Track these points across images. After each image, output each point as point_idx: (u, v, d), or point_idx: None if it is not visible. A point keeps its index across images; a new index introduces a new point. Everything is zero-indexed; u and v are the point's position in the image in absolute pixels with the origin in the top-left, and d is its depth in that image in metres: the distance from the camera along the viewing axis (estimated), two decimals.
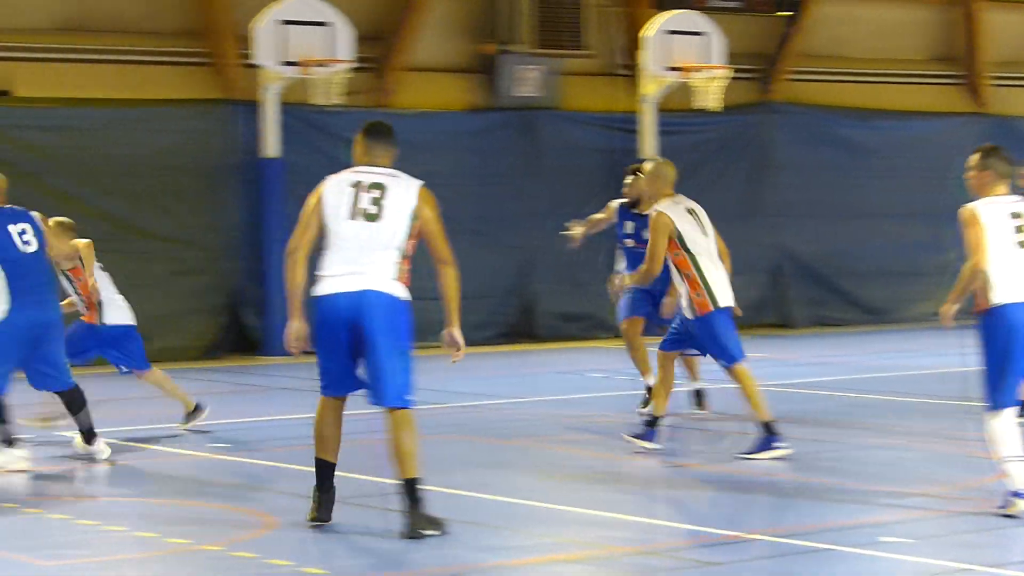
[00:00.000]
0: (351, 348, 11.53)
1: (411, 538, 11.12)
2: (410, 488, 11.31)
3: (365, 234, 11.53)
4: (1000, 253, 11.47)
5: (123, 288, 23.98)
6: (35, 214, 14.73)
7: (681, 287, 14.94)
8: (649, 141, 27.65)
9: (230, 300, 25.05)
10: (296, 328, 11.67)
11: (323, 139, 25.53)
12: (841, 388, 20.27)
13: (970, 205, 11.68)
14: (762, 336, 28.12)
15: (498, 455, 15.97)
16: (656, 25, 27.24)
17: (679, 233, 14.86)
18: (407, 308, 11.81)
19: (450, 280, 12.03)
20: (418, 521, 11.21)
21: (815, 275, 29.99)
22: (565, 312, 27.72)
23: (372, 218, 11.47)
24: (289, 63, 24.28)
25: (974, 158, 11.94)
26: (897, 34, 31.77)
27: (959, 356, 16.05)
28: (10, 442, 14.37)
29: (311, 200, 11.70)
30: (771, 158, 29.68)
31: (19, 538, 11.94)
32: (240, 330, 25.19)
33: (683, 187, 28.08)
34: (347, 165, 25.24)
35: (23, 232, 14.25)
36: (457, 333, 12.04)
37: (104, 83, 24.73)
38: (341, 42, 24.57)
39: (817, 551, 11.07)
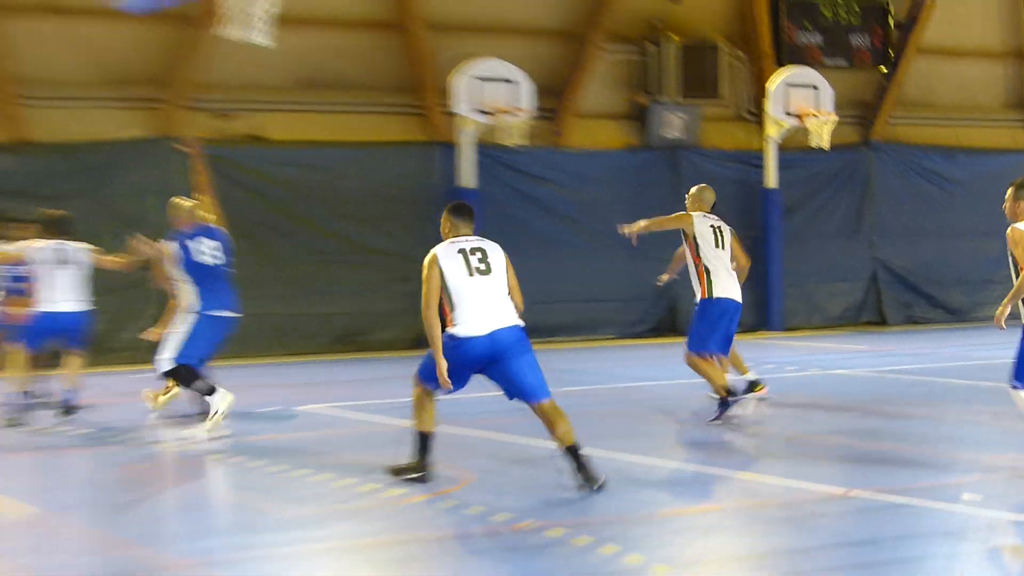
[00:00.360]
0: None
1: (584, 488, 11.15)
2: (573, 452, 11.41)
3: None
4: None
5: (353, 292, 24.33)
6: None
7: (694, 280, 15.52)
8: (772, 174, 27.46)
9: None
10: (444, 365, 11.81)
11: (509, 173, 25.57)
12: (928, 375, 19.94)
13: (1018, 226, 11.75)
14: (862, 332, 27.88)
15: (646, 426, 15.82)
16: (778, 79, 27.04)
17: (695, 237, 15.48)
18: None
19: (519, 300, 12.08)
20: (586, 476, 11.29)
21: (906, 282, 29.64)
22: None
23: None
24: (481, 112, 24.30)
25: (1009, 191, 12.01)
26: (975, 85, 31.32)
27: None
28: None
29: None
30: (871, 188, 29.39)
31: (266, 491, 11.98)
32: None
33: (800, 212, 28.14)
34: (526, 194, 25.28)
35: (210, 251, 14.20)
36: None
37: (336, 129, 24.87)
38: (523, 94, 24.58)
39: (908, 506, 10.87)
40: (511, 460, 13.38)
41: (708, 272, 15.45)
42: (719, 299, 15.40)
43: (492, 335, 11.79)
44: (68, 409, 16.18)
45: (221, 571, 9.14)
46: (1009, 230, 11.75)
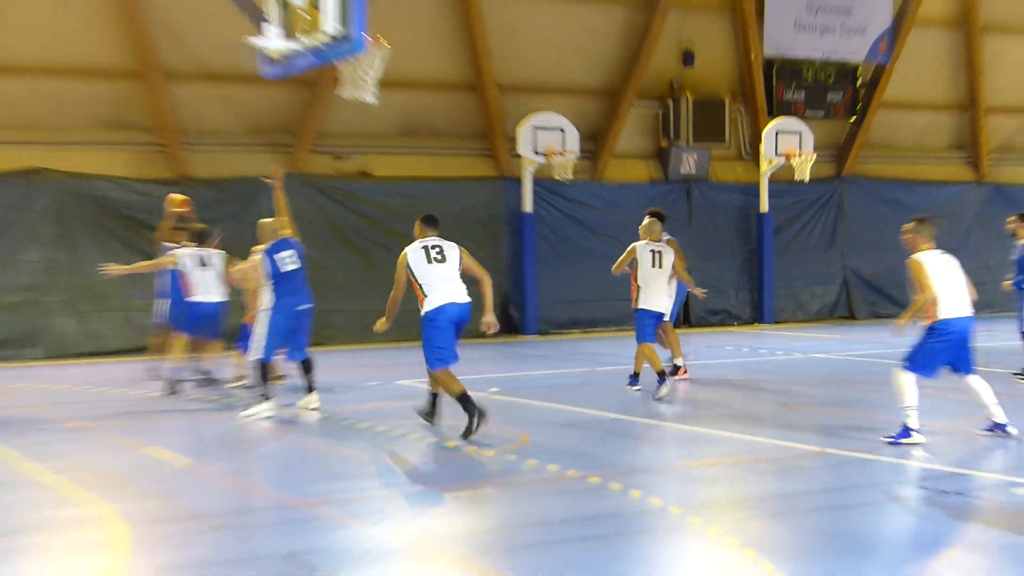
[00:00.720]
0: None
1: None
2: (464, 398, 12.45)
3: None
4: (943, 285, 11.53)
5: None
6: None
7: (633, 291, 16.09)
8: (765, 201, 27.33)
9: (502, 301, 25.04)
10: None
11: (559, 201, 25.56)
12: (888, 358, 19.68)
13: (915, 256, 11.66)
14: (836, 325, 27.68)
15: (706, 398, 15.79)
16: (769, 126, 26.86)
17: (636, 259, 15.95)
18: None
19: (488, 287, 13.11)
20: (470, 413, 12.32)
21: (871, 285, 29.41)
22: (710, 308, 27.27)
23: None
24: (538, 153, 24.27)
25: (912, 225, 11.89)
26: (926, 131, 31.06)
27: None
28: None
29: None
30: (843, 212, 29.20)
31: (371, 446, 12.01)
32: (508, 319, 25.16)
33: (787, 231, 28.04)
34: (572, 217, 25.13)
35: (287, 258, 14.14)
36: (491, 317, 12.89)
37: (426, 167, 24.93)
38: (570, 140, 24.55)
39: (871, 460, 10.79)
40: (560, 424, 13.38)
41: (640, 288, 15.89)
42: (644, 309, 15.87)
43: (456, 304, 12.79)
44: (211, 381, 16.44)
45: (332, 508, 9.17)
46: (909, 260, 11.72)
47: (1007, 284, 17.35)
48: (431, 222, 13.38)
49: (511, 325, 25.17)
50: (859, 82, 29.33)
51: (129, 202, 22.12)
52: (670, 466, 10.82)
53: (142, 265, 17.20)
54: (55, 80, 22.00)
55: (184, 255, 16.05)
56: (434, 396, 13.08)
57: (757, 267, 27.92)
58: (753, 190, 27.54)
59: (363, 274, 23.05)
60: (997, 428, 11.66)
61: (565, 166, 24.52)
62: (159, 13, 22.16)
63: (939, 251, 11.76)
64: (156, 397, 15.96)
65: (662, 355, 15.91)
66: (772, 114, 27.75)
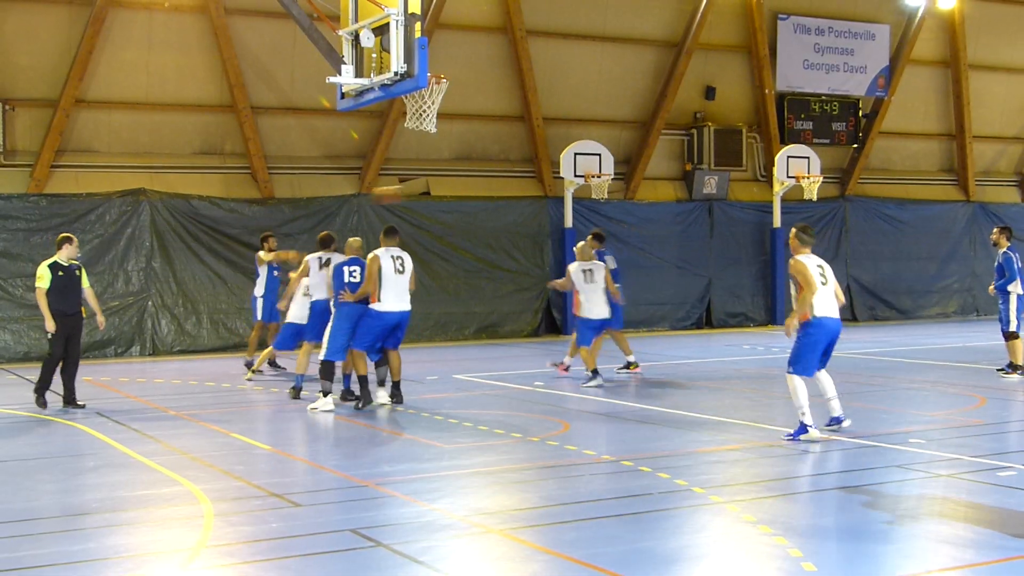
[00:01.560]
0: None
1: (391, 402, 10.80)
2: (397, 385, 13.92)
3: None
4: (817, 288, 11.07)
5: (490, 297, 24.33)
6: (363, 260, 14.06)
7: (575, 303, 16.41)
8: (778, 218, 27.08)
9: (546, 304, 24.97)
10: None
11: (597, 217, 25.37)
12: (886, 356, 19.53)
13: (798, 258, 11.18)
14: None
15: (688, 388, 15.59)
16: (781, 152, 26.60)
17: (575, 276, 16.21)
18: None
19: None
20: (398, 398, 13.86)
21: (870, 291, 29.14)
22: (729, 311, 27.20)
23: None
24: (578, 176, 24.15)
25: (793, 232, 11.45)
26: (918, 157, 30.77)
27: (961, 338, 15.21)
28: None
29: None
30: (846, 227, 28.94)
31: (430, 432, 11.92)
32: (551, 320, 25.08)
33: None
34: (608, 232, 25.10)
35: (353, 272, 13.96)
36: None
37: (480, 188, 24.89)
38: (606, 164, 24.40)
39: (872, 446, 10.61)
40: (596, 414, 13.23)
41: (582, 301, 16.12)
42: (583, 318, 16.10)
43: (400, 313, 13.60)
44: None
45: (394, 488, 9.09)
46: (791, 261, 11.24)
47: (992, 289, 17.07)
48: (391, 233, 13.97)
49: (554, 326, 25.09)
50: (860, 114, 29.05)
51: (220, 218, 22.21)
52: (694, 451, 10.66)
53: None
54: (157, 113, 22.13)
55: (314, 258, 15.35)
56: (362, 379, 13.69)
57: (771, 275, 27.66)
58: (767, 208, 27.31)
59: (426, 281, 22.99)
60: (833, 422, 11.36)
61: (602, 187, 24.38)
62: (249, 55, 22.30)
63: (815, 256, 11.33)
64: (241, 390, 15.94)
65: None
66: (784, 142, 27.53)
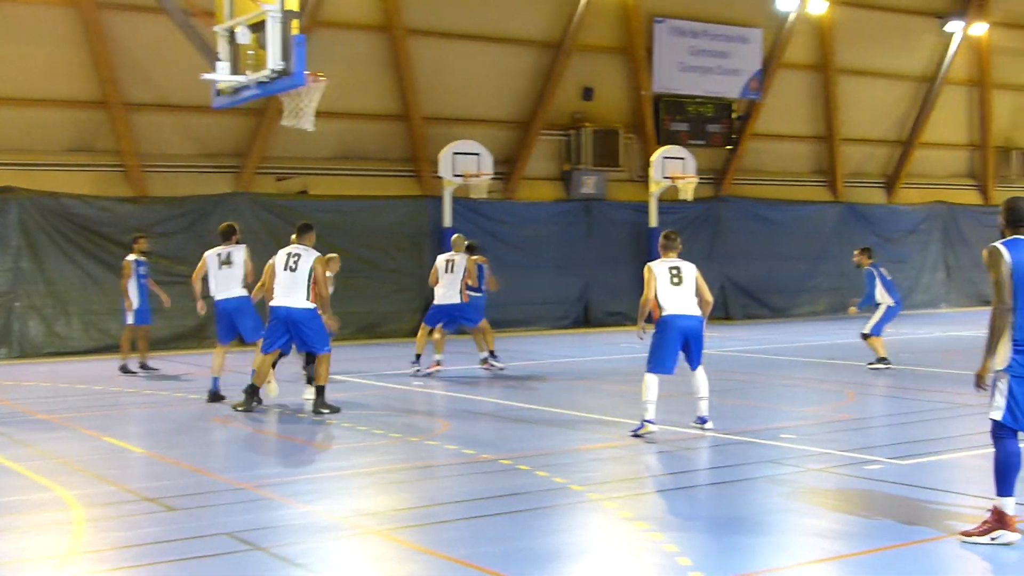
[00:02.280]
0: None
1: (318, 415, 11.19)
2: (321, 389, 13.13)
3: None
4: (664, 289, 11.42)
5: (370, 297, 24.17)
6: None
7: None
8: (654, 218, 27.41)
9: (425, 304, 24.91)
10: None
11: (476, 217, 25.41)
12: (760, 353, 19.95)
13: (650, 263, 11.58)
14: (715, 325, 27.70)
15: (567, 387, 15.70)
16: (658, 153, 26.96)
17: (439, 264, 17.04)
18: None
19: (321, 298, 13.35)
20: (320, 407, 13.08)
21: (744, 290, 29.71)
22: (607, 310, 27.47)
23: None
24: (457, 175, 24.16)
25: (661, 238, 11.88)
26: (790, 158, 31.49)
27: (831, 336, 15.52)
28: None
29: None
30: (720, 227, 29.44)
31: (307, 434, 11.77)
32: None
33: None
34: (488, 231, 24.98)
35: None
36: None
37: (359, 187, 24.79)
38: (485, 163, 24.45)
39: (745, 442, 10.79)
40: (476, 414, 13.25)
41: (434, 290, 17.02)
42: (437, 304, 17.02)
43: (287, 310, 12.96)
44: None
45: (273, 490, 8.98)
46: (646, 267, 11.58)
47: (853, 310, 17.83)
48: (303, 230, 13.50)
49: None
50: (734, 116, 29.62)
51: (92, 217, 21.72)
52: (572, 449, 10.74)
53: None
54: (27, 109, 21.57)
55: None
56: (252, 387, 13.39)
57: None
58: (644, 208, 27.64)
59: None
60: (699, 420, 11.55)
61: (481, 187, 24.44)
62: (122, 50, 21.88)
63: (674, 259, 11.65)
64: (115, 392, 15.60)
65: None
66: (660, 143, 27.92)
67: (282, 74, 11.53)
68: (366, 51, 24.43)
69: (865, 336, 17.25)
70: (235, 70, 12.17)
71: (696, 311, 11.51)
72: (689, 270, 11.60)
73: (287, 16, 11.39)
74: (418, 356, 16.90)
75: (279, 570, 6.86)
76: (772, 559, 7.12)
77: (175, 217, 22.38)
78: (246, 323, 14.21)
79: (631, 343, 22.85)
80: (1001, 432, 7.16)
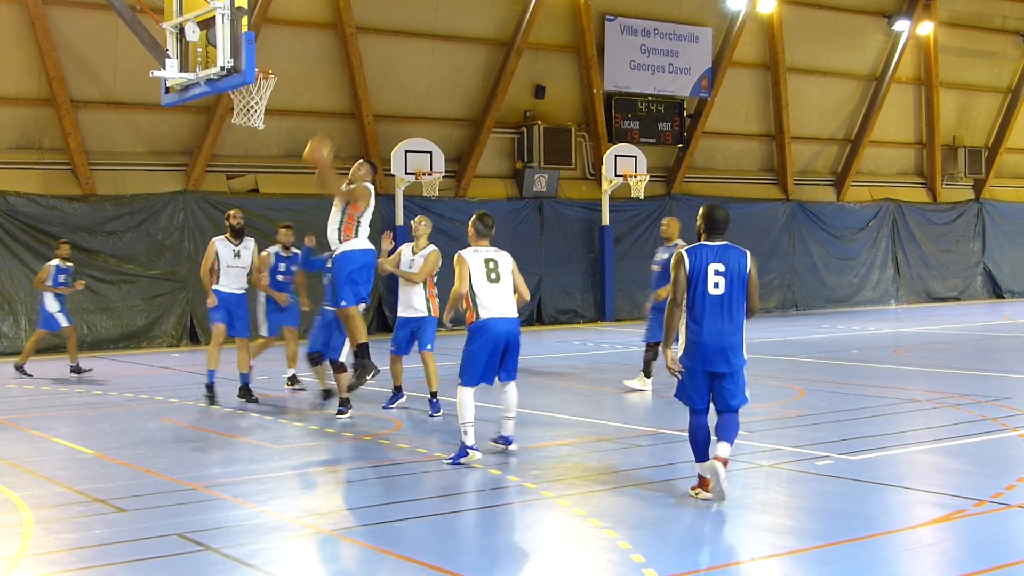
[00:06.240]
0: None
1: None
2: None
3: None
4: (479, 285, 10.03)
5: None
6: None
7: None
8: (606, 216, 27.52)
9: (377, 303, 24.89)
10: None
11: (428, 215, 25.17)
12: None
13: (461, 252, 10.22)
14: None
15: (521, 386, 15.70)
16: (609, 151, 27.05)
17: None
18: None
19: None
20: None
21: None
22: (560, 308, 27.54)
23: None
24: (409, 173, 24.13)
25: (475, 221, 10.50)
26: (740, 156, 31.68)
27: (782, 332, 15.38)
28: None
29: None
30: None
31: (257, 433, 11.68)
32: (383, 318, 24.95)
33: (624, 241, 28.28)
34: (439, 229, 25.00)
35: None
36: None
37: (309, 185, 24.48)
38: (437, 161, 24.44)
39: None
40: (429, 413, 13.14)
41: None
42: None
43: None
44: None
45: (223, 490, 8.93)
46: (456, 256, 10.23)
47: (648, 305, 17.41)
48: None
49: (387, 324, 24.96)
50: (685, 114, 29.74)
51: (38, 216, 21.48)
52: (526, 446, 10.73)
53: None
54: None
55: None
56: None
57: (600, 272, 28.11)
58: (596, 206, 27.73)
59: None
60: (501, 440, 10.40)
61: (432, 184, 24.42)
62: (69, 47, 21.61)
63: (489, 249, 10.36)
64: (63, 393, 15.43)
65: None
66: (612, 141, 28.00)
67: (232, 71, 11.43)
68: (316, 49, 24.33)
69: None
70: (184, 67, 12.06)
71: (515, 312, 10.13)
72: (508, 262, 10.35)
73: (237, 13, 11.29)
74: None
75: (230, 570, 6.82)
76: (724, 555, 7.17)
77: (124, 216, 22.18)
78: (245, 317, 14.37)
79: (583, 340, 23.01)
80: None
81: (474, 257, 10.17)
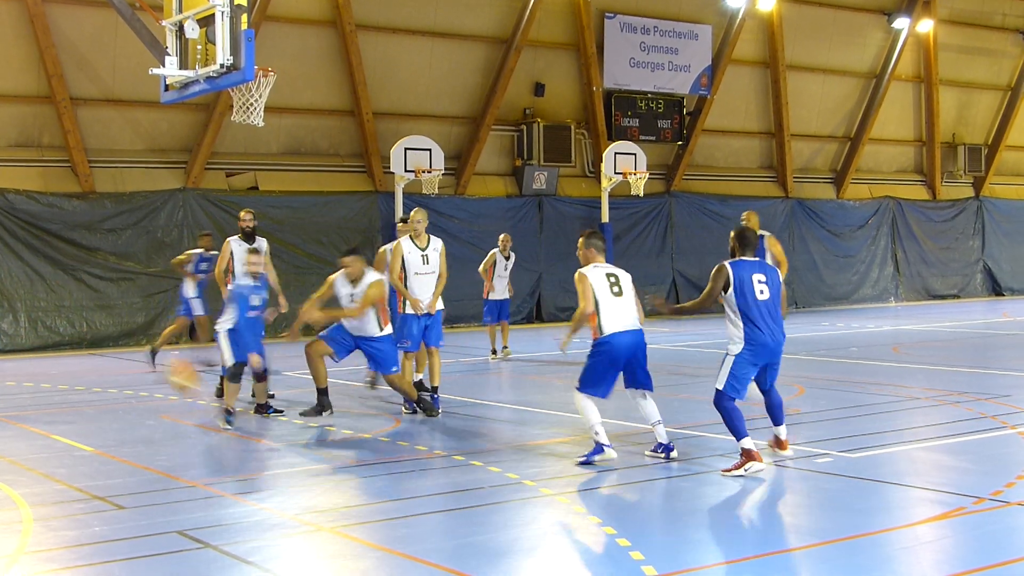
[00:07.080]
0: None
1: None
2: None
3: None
4: (604, 300, 9.96)
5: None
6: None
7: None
8: (606, 213, 27.49)
9: None
10: None
11: (427, 213, 25.30)
12: (710, 348, 20.02)
13: (582, 270, 10.09)
14: (667, 319, 27.89)
15: (513, 383, 15.71)
16: (609, 149, 27.03)
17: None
18: None
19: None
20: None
21: (695, 285, 29.75)
22: (559, 305, 27.53)
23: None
24: (408, 171, 24.10)
25: (580, 241, 10.29)
26: (739, 154, 31.69)
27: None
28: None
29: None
30: (671, 222, 29.63)
31: (261, 433, 11.69)
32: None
33: (624, 239, 28.27)
34: (439, 227, 24.88)
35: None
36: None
37: (309, 183, 24.66)
38: (436, 159, 24.38)
39: (694, 435, 10.81)
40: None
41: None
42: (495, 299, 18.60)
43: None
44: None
45: (221, 488, 8.95)
46: (577, 273, 10.12)
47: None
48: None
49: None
50: (684, 112, 29.72)
51: (38, 213, 21.48)
52: (525, 444, 10.75)
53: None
54: None
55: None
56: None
57: None
58: (595, 203, 27.73)
59: None
60: (660, 448, 10.05)
61: (432, 182, 24.41)
62: (68, 44, 21.61)
63: (606, 265, 10.28)
64: (63, 390, 15.43)
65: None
66: (611, 138, 27.99)
67: (231, 69, 11.42)
68: (315, 46, 24.32)
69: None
70: (184, 65, 12.05)
71: (638, 324, 10.10)
72: (626, 277, 10.34)
73: (236, 11, 11.29)
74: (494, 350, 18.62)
75: (230, 568, 6.82)
76: (724, 552, 7.17)
77: (124, 213, 22.18)
78: None
79: (583, 338, 22.91)
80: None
81: (595, 273, 10.07)
